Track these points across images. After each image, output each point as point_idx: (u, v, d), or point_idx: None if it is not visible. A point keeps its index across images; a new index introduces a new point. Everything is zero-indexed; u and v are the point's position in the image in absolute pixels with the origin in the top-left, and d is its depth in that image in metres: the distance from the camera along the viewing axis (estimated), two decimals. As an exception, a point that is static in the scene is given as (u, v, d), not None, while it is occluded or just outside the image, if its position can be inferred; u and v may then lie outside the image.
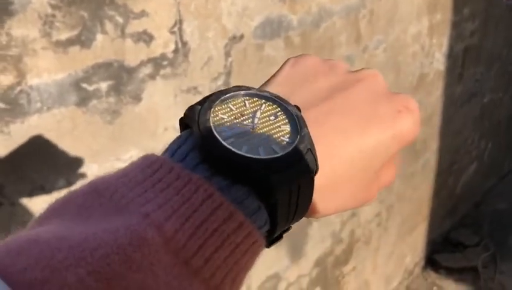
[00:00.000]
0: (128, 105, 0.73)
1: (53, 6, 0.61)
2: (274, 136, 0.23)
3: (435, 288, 1.94)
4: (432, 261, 2.02)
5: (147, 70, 0.74)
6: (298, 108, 0.25)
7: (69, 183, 0.70)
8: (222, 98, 0.24)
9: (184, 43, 0.77)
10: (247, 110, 0.24)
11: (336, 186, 0.25)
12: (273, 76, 0.29)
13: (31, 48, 0.60)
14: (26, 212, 0.66)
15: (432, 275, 1.99)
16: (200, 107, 0.23)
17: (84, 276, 0.17)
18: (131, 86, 0.72)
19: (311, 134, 0.24)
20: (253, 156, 0.21)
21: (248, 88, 0.25)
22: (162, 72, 0.75)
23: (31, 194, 0.66)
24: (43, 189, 0.67)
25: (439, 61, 1.59)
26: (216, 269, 0.19)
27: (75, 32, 0.64)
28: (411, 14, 1.36)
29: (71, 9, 0.63)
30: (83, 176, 0.71)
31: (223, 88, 0.88)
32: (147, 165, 0.21)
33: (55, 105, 0.65)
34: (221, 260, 0.20)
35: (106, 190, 0.20)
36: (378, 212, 1.57)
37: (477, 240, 2.08)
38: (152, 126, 0.77)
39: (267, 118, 0.24)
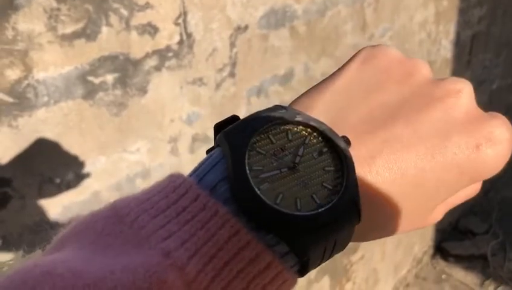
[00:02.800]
0: (134, 97, 0.73)
1: (58, 0, 0.61)
2: (315, 181, 0.21)
3: (443, 276, 1.94)
4: (441, 249, 2.02)
5: (153, 62, 0.74)
6: (348, 141, 0.22)
7: (78, 176, 0.71)
8: (263, 127, 0.21)
9: (189, 35, 0.77)
10: (290, 143, 0.21)
11: (382, 224, 0.23)
12: (339, 71, 0.25)
13: (37, 42, 0.61)
14: (36, 205, 0.67)
15: (441, 263, 1.99)
16: (236, 135, 0.21)
17: None
18: (137, 78, 0.73)
19: (361, 170, 0.21)
20: (287, 211, 0.19)
21: (294, 112, 0.22)
22: (167, 63, 0.76)
23: (40, 187, 0.67)
24: (52, 182, 0.68)
25: (446, 49, 1.58)
26: None
27: (80, 26, 0.64)
28: (417, 1, 1.34)
29: (76, 3, 0.63)
30: (90, 168, 0.71)
31: (229, 79, 0.87)
32: (171, 189, 0.20)
33: (62, 98, 0.66)
34: None
35: (127, 216, 0.19)
36: (386, 201, 1.57)
37: (487, 228, 2.08)
38: (158, 118, 0.77)
39: (311, 155, 0.21)
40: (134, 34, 0.70)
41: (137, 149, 0.76)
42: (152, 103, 0.76)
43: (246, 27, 0.87)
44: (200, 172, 0.21)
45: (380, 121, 0.23)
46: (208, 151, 0.23)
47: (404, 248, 1.81)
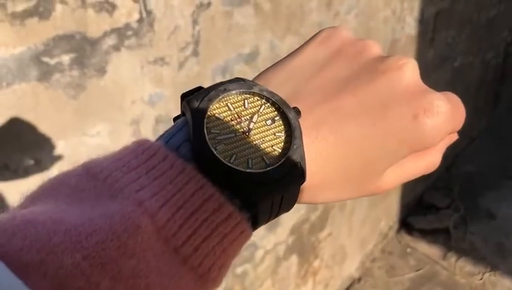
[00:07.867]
0: (92, 78, 0.70)
1: (6, -25, 0.58)
2: (266, 144, 0.23)
3: (408, 250, 1.98)
4: (406, 224, 2.07)
5: (111, 41, 0.71)
6: (298, 111, 0.24)
7: (36, 161, 0.68)
8: (222, 96, 0.24)
9: (149, 12, 0.74)
10: (246, 110, 0.24)
11: (330, 185, 0.25)
12: (297, 50, 0.28)
13: (-15, 20, 0.57)
14: (-9, 192, 0.64)
15: (406, 238, 2.03)
16: (198, 102, 0.23)
17: (80, 260, 0.17)
18: (95, 58, 0.70)
19: (308, 138, 0.24)
20: (239, 169, 0.22)
21: (251, 84, 0.25)
22: (126, 42, 0.73)
23: (-5, 173, 0.64)
24: (7, 168, 0.65)
25: (410, 26, 1.59)
26: (204, 258, 0.20)
27: (32, 3, 0.61)
28: (382, -22, 1.34)
29: (26, -22, 0.59)
30: (49, 153, 0.68)
31: (192, 58, 0.84)
32: (141, 151, 0.22)
33: (16, 81, 0.62)
34: (209, 249, 0.20)
35: (100, 173, 0.20)
36: (353, 179, 1.58)
37: (449, 202, 2.13)
38: (119, 99, 0.75)
39: (264, 122, 0.24)
40: (90, 12, 0.67)
41: (98, 132, 0.73)
42: (111, 84, 0.73)
43: (209, 4, 0.84)
44: (167, 136, 0.23)
45: (328, 93, 0.25)
46: (174, 119, 0.25)
47: (370, 224, 1.85)
